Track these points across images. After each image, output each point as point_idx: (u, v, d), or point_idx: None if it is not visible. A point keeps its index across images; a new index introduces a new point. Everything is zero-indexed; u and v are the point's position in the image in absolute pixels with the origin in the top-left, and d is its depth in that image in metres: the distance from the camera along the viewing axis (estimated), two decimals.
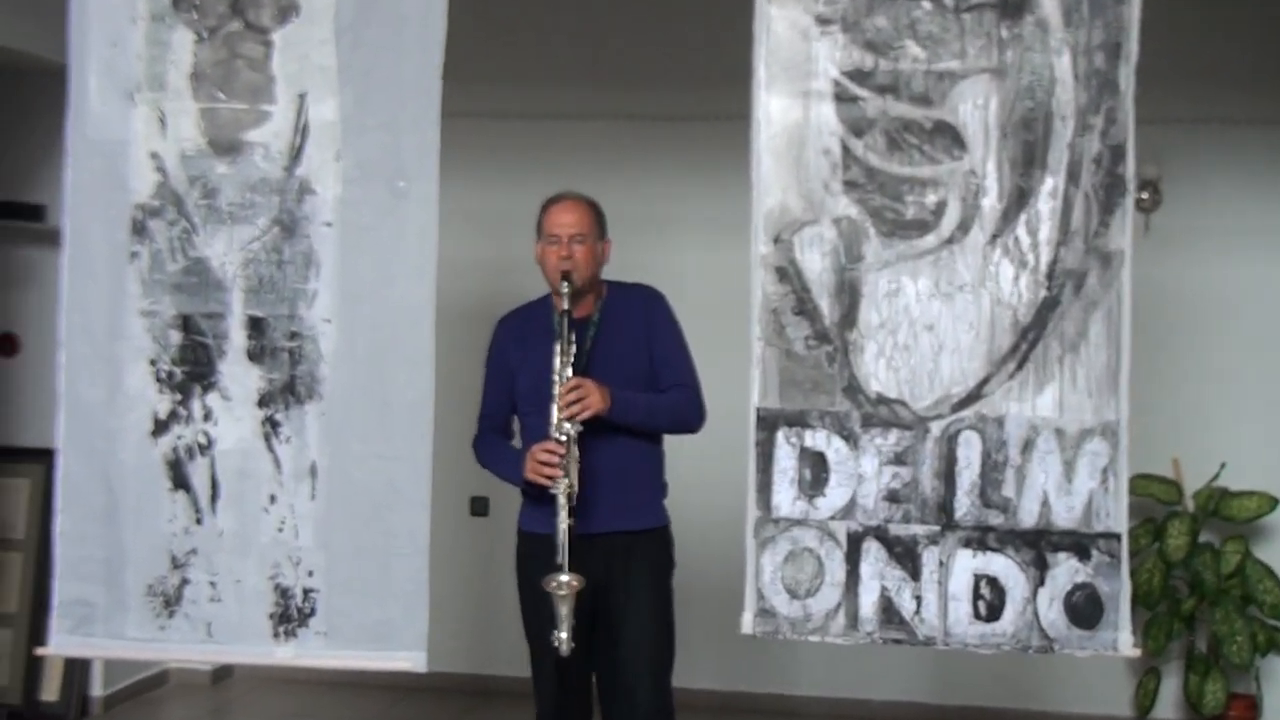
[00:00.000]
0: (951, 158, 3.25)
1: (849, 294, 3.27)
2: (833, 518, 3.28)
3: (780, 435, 3.29)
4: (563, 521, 3.59)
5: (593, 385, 3.69)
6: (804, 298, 3.28)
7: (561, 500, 3.60)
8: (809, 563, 3.29)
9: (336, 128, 3.39)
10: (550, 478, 3.64)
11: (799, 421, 3.28)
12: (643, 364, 3.89)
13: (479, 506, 6.08)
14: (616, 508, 3.79)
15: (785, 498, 3.30)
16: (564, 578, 3.53)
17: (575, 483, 3.63)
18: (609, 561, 3.77)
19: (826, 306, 3.28)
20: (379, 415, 3.40)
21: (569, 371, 3.67)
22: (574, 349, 3.72)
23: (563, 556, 3.56)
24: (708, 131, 5.66)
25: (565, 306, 3.72)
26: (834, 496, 3.28)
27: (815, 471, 3.28)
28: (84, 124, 3.43)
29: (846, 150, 3.27)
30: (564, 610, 3.53)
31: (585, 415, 3.66)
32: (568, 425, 3.65)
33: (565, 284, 3.73)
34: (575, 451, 3.65)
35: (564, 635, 3.53)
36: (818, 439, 3.28)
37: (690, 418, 3.92)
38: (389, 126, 3.38)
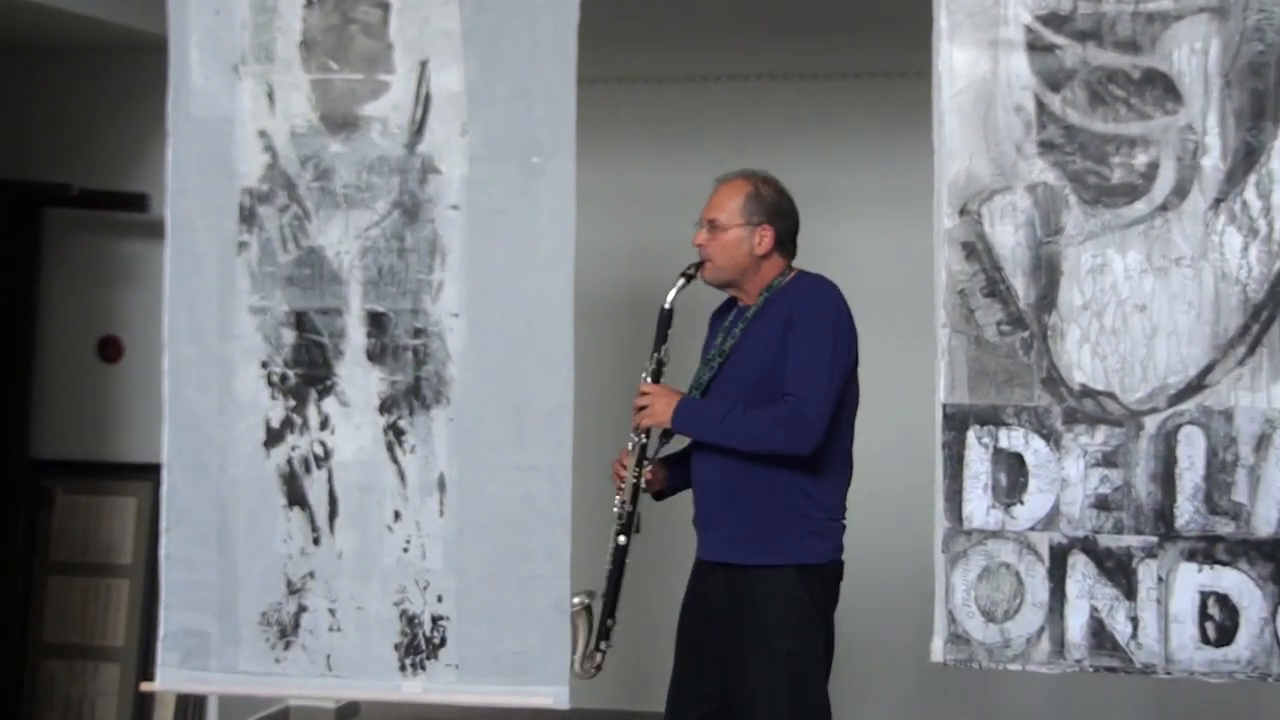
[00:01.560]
0: (1164, 112, 3.18)
1: (1047, 271, 3.22)
2: (1033, 528, 3.24)
3: (971, 435, 3.27)
4: (612, 539, 3.71)
5: (661, 392, 3.69)
6: (995, 277, 3.25)
7: (614, 512, 3.72)
8: (1006, 580, 3.25)
9: (462, 98, 3.42)
10: (619, 490, 3.73)
11: (992, 419, 3.25)
12: (775, 368, 3.75)
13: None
14: (727, 536, 3.71)
15: (978, 506, 3.26)
16: (576, 598, 3.58)
17: (629, 499, 3.70)
18: (731, 595, 3.68)
19: (1021, 286, 3.23)
20: (514, 421, 3.42)
21: (652, 376, 3.74)
22: (666, 348, 3.75)
23: (609, 580, 3.69)
24: (880, 90, 5.62)
25: (666, 304, 3.74)
26: (1034, 504, 3.24)
27: (1012, 476, 3.25)
28: (186, 102, 3.50)
29: (1042, 106, 3.22)
30: (576, 632, 3.58)
31: (644, 425, 3.71)
32: (633, 435, 3.72)
33: (682, 279, 3.75)
34: (637, 464, 3.72)
35: (575, 657, 3.57)
36: (1014, 438, 3.24)
37: (776, 439, 3.63)
38: (521, 96, 3.40)
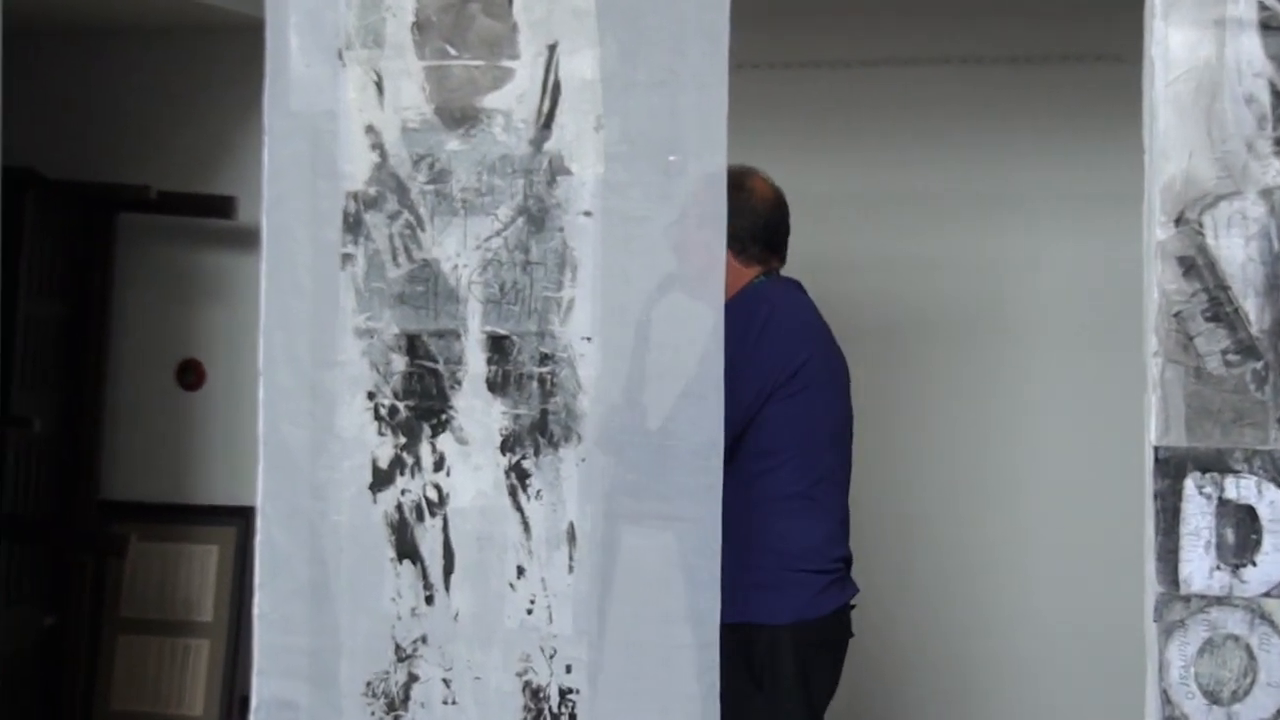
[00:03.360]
0: None
1: None
2: (1269, 594, 3.15)
3: (1189, 484, 3.18)
4: None
5: None
6: (1220, 298, 3.16)
7: None
8: (1235, 656, 3.16)
9: (596, 88, 3.40)
10: None
11: (1216, 465, 3.17)
12: None
13: None
14: None
15: (1199, 568, 3.17)
16: None
17: None
18: None
19: (1253, 309, 3.15)
20: (656, 463, 3.39)
21: None
22: None
23: None
24: (1076, 76, 5.57)
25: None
26: (1268, 565, 3.15)
27: (1241, 532, 3.15)
28: (284, 94, 3.51)
29: (1278, 96, 3.13)
30: None
31: None
32: None
33: None
34: None
35: None
36: (1244, 488, 3.16)
37: None
38: (664, 84, 3.37)
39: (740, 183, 3.96)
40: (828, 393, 4.18)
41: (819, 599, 3.89)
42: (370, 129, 3.48)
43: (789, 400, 3.97)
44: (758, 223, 3.95)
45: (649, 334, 3.40)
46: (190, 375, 5.95)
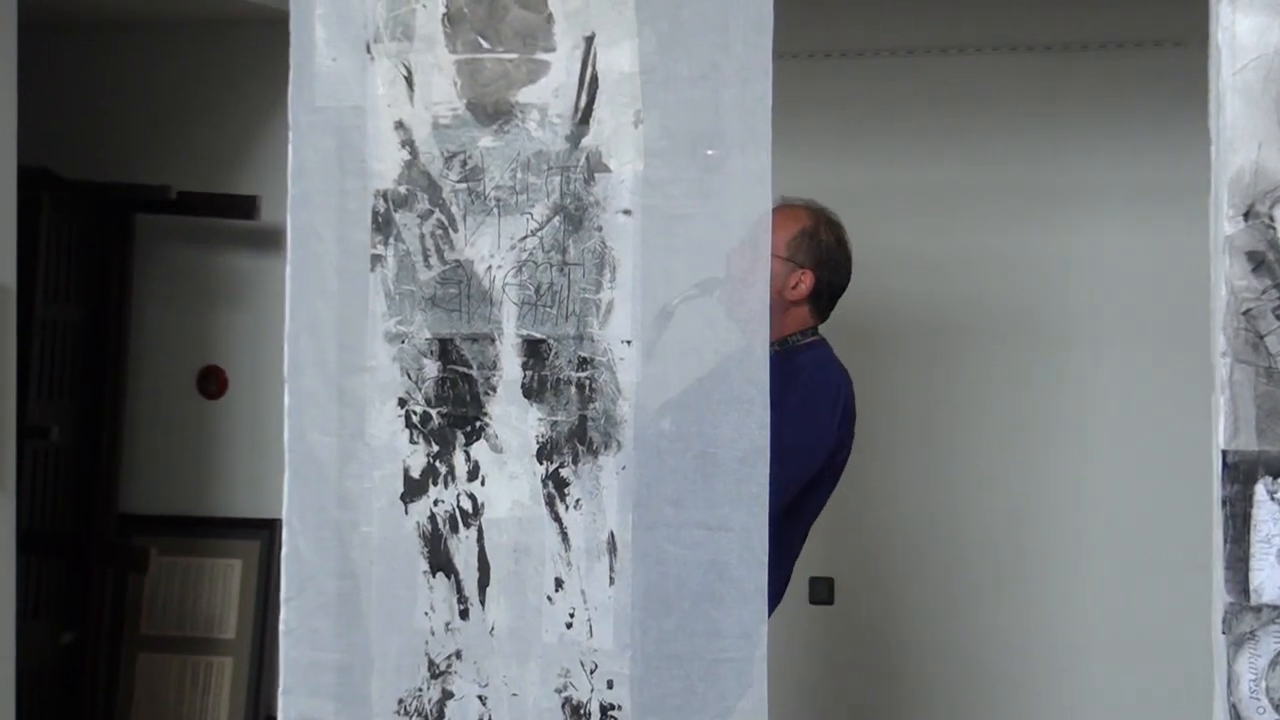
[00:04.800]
0: None
1: None
2: None
3: (1260, 489, 3.16)
4: None
5: None
6: None
7: None
8: None
9: (635, 81, 3.39)
10: None
11: None
12: None
13: (821, 591, 6.04)
14: None
15: (1270, 577, 3.15)
16: None
17: None
18: None
19: None
20: (699, 471, 3.38)
21: None
22: None
23: None
24: (1137, 63, 5.56)
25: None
26: None
27: None
28: (310, 88, 3.52)
29: None
30: None
31: None
32: None
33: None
34: None
35: None
36: None
37: None
38: (707, 77, 3.36)
39: (843, 237, 4.07)
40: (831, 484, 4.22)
41: None
42: (400, 125, 3.48)
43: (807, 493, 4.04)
44: (841, 280, 4.06)
45: (692, 337, 3.40)
46: (212, 383, 5.96)
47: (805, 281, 3.94)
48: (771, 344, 3.82)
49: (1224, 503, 3.17)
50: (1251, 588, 3.16)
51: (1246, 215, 3.16)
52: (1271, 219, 3.15)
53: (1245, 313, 3.16)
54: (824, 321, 4.07)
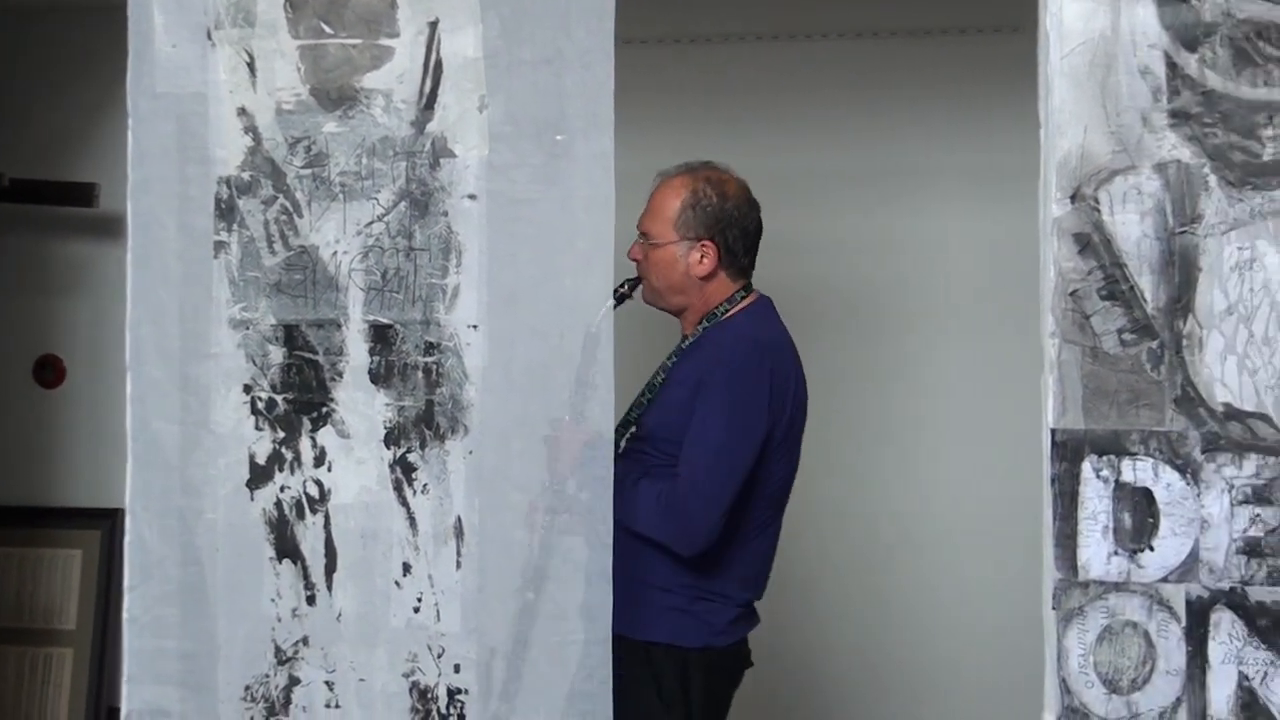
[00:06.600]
0: None
1: (1181, 268, 3.21)
2: (1166, 579, 3.22)
3: (1087, 467, 3.25)
4: None
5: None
6: (1116, 275, 3.23)
7: None
8: (1133, 643, 3.23)
9: (479, 66, 3.43)
10: None
11: (1113, 447, 3.23)
12: (684, 430, 3.82)
13: None
14: None
15: (1097, 553, 3.24)
16: None
17: None
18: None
19: (1149, 286, 3.22)
20: (546, 455, 3.44)
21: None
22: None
23: None
24: (973, 49, 5.63)
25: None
26: (1166, 550, 3.21)
27: (1139, 516, 3.22)
28: (149, 75, 3.51)
29: (1174, 68, 3.20)
30: None
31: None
32: None
33: (612, 299, 3.51)
34: None
35: None
36: (1141, 471, 3.23)
37: (658, 529, 3.78)
38: (549, 61, 3.41)
39: (729, 189, 3.96)
40: (795, 450, 4.09)
41: (731, 628, 3.89)
42: (243, 111, 3.49)
43: (763, 464, 3.92)
44: (747, 231, 3.93)
45: (538, 321, 3.43)
46: (49, 372, 5.89)
47: (708, 253, 3.87)
48: (699, 323, 3.87)
49: (1053, 481, 3.25)
50: (1079, 564, 3.24)
51: (1073, 198, 3.24)
52: (1097, 201, 3.23)
53: (1072, 293, 3.24)
54: (749, 277, 4.03)
